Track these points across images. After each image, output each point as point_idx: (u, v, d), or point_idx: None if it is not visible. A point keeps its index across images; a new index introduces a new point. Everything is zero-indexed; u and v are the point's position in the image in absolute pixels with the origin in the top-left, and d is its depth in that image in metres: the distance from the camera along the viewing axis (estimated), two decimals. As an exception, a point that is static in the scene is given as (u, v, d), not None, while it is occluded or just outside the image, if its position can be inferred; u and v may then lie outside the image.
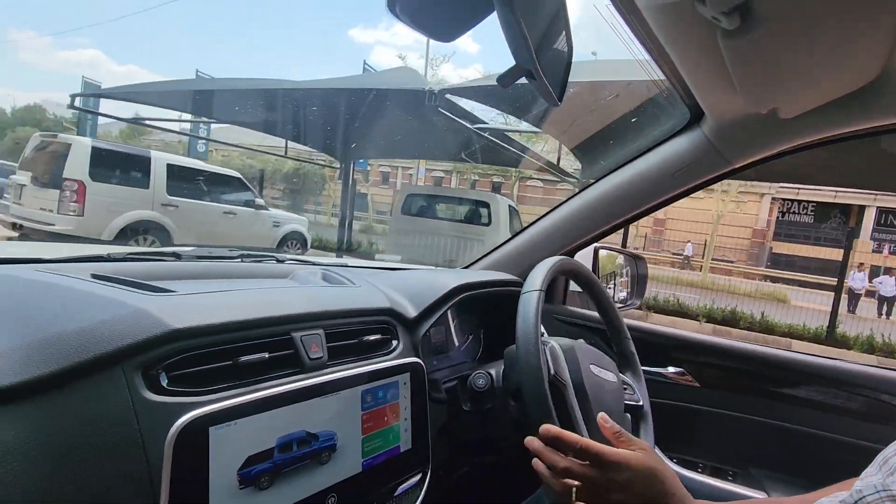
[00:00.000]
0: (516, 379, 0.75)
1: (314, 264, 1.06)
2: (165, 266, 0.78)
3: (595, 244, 1.26)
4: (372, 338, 0.76)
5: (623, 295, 1.37)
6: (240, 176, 7.13)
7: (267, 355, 0.60)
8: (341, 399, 0.66)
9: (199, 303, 0.60)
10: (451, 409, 0.89)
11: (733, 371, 1.13)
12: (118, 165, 5.78)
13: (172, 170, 6.03)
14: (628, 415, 0.86)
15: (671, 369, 1.18)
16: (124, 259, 0.79)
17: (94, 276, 0.64)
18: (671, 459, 1.11)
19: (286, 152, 9.60)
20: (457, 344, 1.09)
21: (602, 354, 0.86)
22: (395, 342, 0.80)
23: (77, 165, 5.36)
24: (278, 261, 1.02)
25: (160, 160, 5.98)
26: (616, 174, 1.12)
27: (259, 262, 0.98)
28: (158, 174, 5.88)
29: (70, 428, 0.45)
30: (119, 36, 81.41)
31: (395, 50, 73.77)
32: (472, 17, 0.51)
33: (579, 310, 1.31)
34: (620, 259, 1.44)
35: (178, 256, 0.87)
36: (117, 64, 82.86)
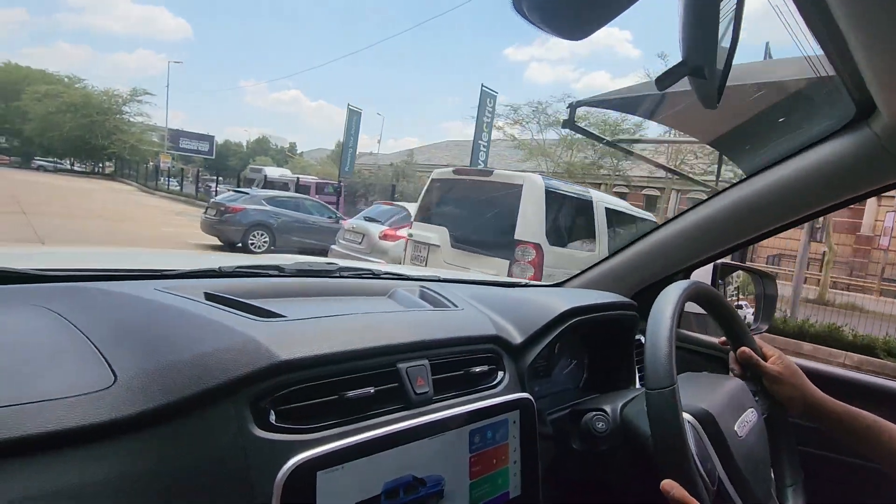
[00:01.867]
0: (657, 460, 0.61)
1: (408, 278, 1.01)
2: (270, 283, 0.76)
3: (717, 261, 1.09)
4: (478, 369, 0.68)
5: (748, 319, 1.18)
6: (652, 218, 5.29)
7: (372, 390, 0.56)
8: (449, 440, 0.59)
9: (306, 330, 0.56)
10: (559, 445, 0.78)
11: None
12: (567, 214, 3.91)
13: (610, 217, 4.10)
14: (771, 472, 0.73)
15: None
16: (233, 274, 0.78)
17: (208, 297, 0.63)
18: None
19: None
20: (559, 368, 0.98)
21: (738, 397, 0.71)
22: (500, 373, 0.72)
23: (533, 221, 3.52)
24: (374, 275, 0.98)
25: (599, 204, 4.06)
26: (754, 180, 0.95)
27: (356, 277, 0.94)
28: (600, 224, 3.99)
29: (177, 463, 0.42)
30: (312, 79, 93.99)
31: (549, 65, 75.36)
32: (609, 10, 0.42)
33: (692, 333, 1.15)
34: (738, 275, 1.24)
35: (280, 270, 0.84)
36: (311, 101, 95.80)
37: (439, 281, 1.04)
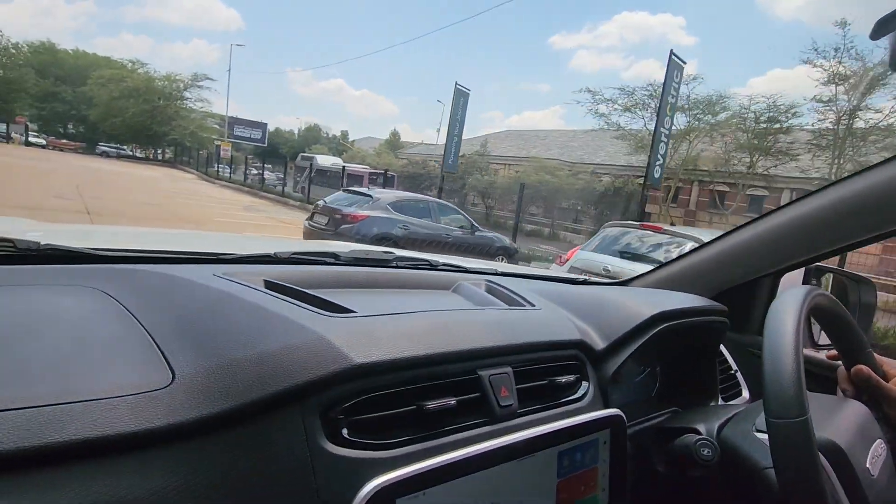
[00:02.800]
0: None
1: (468, 270, 0.94)
2: (328, 272, 0.70)
3: (812, 264, 0.96)
4: (563, 379, 0.61)
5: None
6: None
7: (454, 401, 0.49)
8: (536, 463, 0.51)
9: (382, 329, 0.50)
10: (640, 466, 0.69)
11: None
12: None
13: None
14: None
15: None
16: (289, 260, 0.73)
17: (268, 286, 0.57)
18: None
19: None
20: (631, 376, 0.87)
21: (865, 425, 0.60)
22: (584, 384, 0.64)
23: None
24: (432, 266, 0.91)
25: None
26: (869, 174, 0.81)
27: (414, 267, 0.87)
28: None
29: (236, 479, 0.36)
30: (355, 69, 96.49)
31: (597, 53, 73.43)
32: None
33: None
34: (828, 280, 1.10)
35: (336, 257, 0.79)
36: (354, 90, 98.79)
37: (499, 274, 0.97)
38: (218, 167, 26.12)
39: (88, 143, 35.30)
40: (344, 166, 18.61)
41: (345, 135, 52.66)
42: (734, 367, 0.98)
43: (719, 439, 0.62)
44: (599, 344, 0.69)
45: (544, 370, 0.60)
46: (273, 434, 0.39)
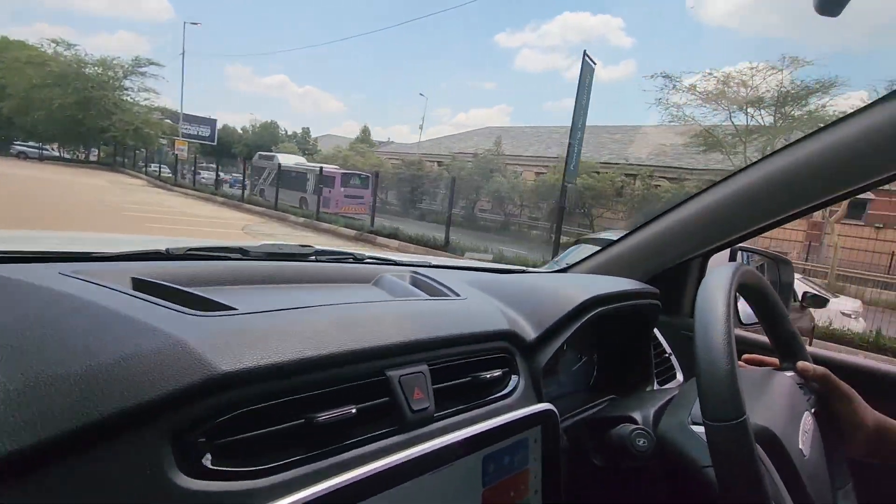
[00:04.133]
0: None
1: (397, 263, 0.87)
2: (230, 267, 0.61)
3: (736, 245, 0.98)
4: (489, 375, 0.55)
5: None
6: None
7: (354, 410, 0.41)
8: (457, 472, 0.44)
9: (262, 328, 0.41)
10: (575, 461, 0.65)
11: None
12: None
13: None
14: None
15: None
16: (183, 257, 0.63)
17: (136, 284, 0.48)
18: None
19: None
20: (567, 365, 0.85)
21: (794, 400, 0.59)
22: (514, 378, 0.59)
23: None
24: (357, 259, 0.83)
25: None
26: (787, 152, 0.81)
27: (335, 261, 0.80)
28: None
29: None
30: (299, 64, 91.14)
31: (540, 52, 73.42)
32: None
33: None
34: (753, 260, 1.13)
35: (245, 252, 0.69)
36: (298, 86, 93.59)
37: (431, 267, 0.92)
38: (160, 168, 22.24)
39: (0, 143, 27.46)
40: (321, 167, 16.62)
41: (306, 132, 48.08)
42: (668, 350, 0.98)
43: (656, 430, 0.59)
44: (531, 334, 0.64)
45: (468, 366, 0.54)
46: (105, 471, 0.30)
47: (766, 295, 0.67)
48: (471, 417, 0.50)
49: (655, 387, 0.86)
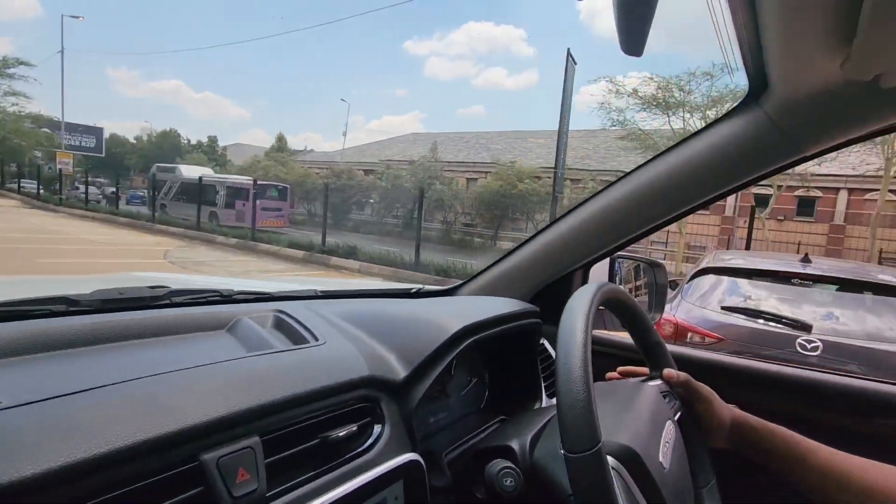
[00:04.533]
0: None
1: (271, 298, 0.79)
2: (42, 328, 0.49)
3: (614, 254, 1.03)
4: (342, 433, 0.49)
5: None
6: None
7: None
8: None
9: (17, 431, 0.33)
10: (462, 497, 0.62)
11: (801, 406, 0.88)
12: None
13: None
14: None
15: None
16: None
17: None
18: None
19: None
20: (456, 389, 0.83)
21: (657, 411, 0.61)
22: (377, 428, 0.54)
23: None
24: (223, 297, 0.74)
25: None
26: (650, 167, 0.86)
27: (193, 303, 0.70)
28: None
29: None
30: (196, 68, 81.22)
31: (448, 60, 73.04)
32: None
33: (601, 333, 1.08)
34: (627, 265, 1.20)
35: (70, 303, 0.57)
36: (195, 92, 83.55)
37: (312, 298, 0.86)
38: (39, 186, 18.43)
39: None
40: (227, 178, 15.39)
41: (213, 141, 42.09)
42: None
43: (532, 459, 0.58)
44: (400, 373, 0.60)
45: (315, 426, 0.49)
46: None
47: (628, 308, 0.69)
48: (317, 487, 0.44)
49: (545, 402, 0.86)
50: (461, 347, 0.67)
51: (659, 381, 0.69)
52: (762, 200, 12.95)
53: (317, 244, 9.69)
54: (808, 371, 0.92)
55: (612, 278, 1.04)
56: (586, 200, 0.94)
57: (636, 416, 0.58)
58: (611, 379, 0.75)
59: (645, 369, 0.74)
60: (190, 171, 17.24)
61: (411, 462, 0.51)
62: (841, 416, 0.86)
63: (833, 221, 16.60)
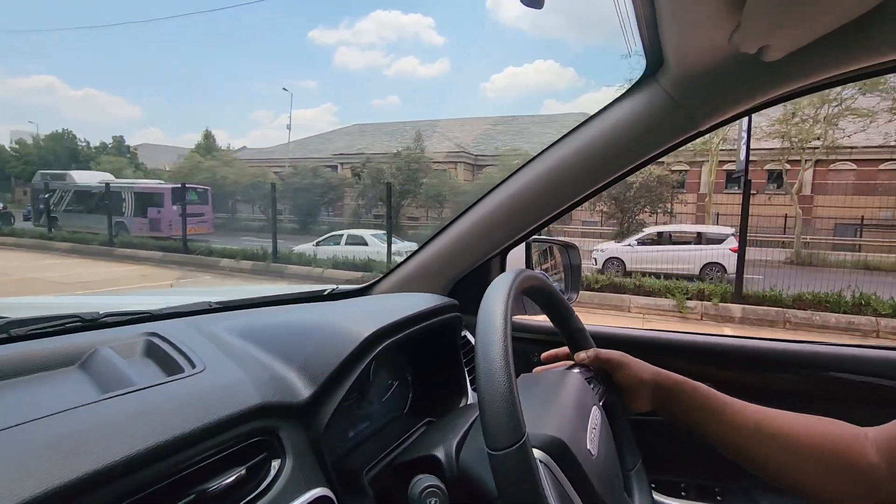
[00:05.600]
0: None
1: (150, 317, 0.67)
2: None
3: (529, 238, 1.01)
4: (228, 480, 0.41)
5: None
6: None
7: None
8: None
9: None
10: None
11: (707, 368, 0.92)
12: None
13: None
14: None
15: None
16: None
17: None
18: (650, 486, 0.91)
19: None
20: (377, 393, 0.76)
21: (582, 397, 0.59)
22: (274, 464, 0.46)
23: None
24: (84, 322, 0.61)
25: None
26: (557, 148, 0.84)
27: (41, 334, 0.56)
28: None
29: None
30: (72, 64, 69.63)
31: (358, 50, 69.42)
32: None
33: (524, 319, 1.06)
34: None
35: None
36: (73, 89, 70.92)
37: (204, 312, 0.75)
38: None
39: None
40: (134, 183, 13.15)
41: (119, 142, 35.68)
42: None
43: (459, 466, 0.53)
44: (303, 393, 0.52)
45: (189, 478, 0.40)
46: None
47: (548, 295, 0.66)
48: None
49: (471, 398, 0.82)
50: (374, 354, 0.60)
51: (581, 369, 0.68)
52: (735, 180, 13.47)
53: (269, 254, 8.94)
54: (714, 337, 0.96)
55: (528, 263, 1.02)
56: (496, 187, 0.91)
57: (561, 405, 0.56)
58: (542, 370, 0.72)
59: (566, 349, 0.73)
60: (84, 177, 15.17)
61: (320, 499, 0.45)
62: (744, 374, 0.90)
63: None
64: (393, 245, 8.28)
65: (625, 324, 4.45)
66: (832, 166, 14.63)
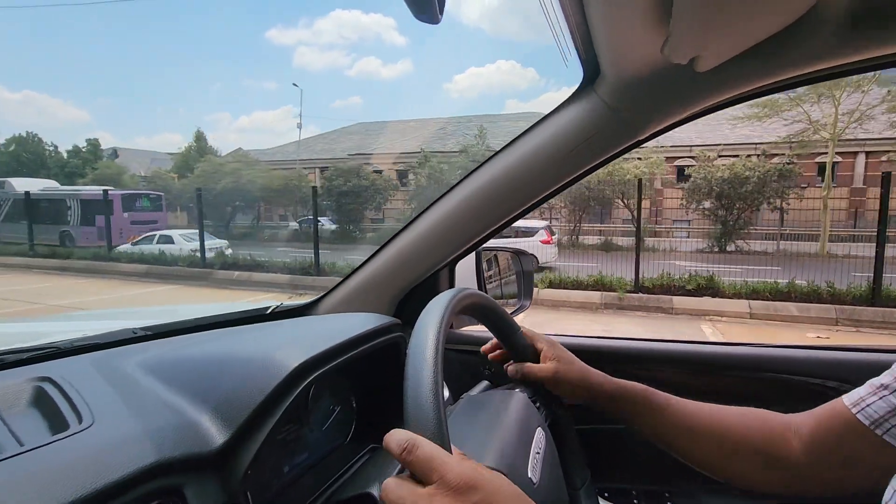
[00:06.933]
0: None
1: (56, 353, 0.59)
2: None
3: (479, 248, 0.98)
4: None
5: (511, 299, 1.13)
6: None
7: None
8: None
9: None
10: None
11: (660, 373, 0.93)
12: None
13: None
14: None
15: None
16: None
17: None
18: (602, 495, 0.90)
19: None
20: (317, 421, 0.71)
21: (525, 420, 0.57)
22: None
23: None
24: None
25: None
26: (501, 157, 0.82)
27: None
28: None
29: None
30: (6, 63, 63.44)
31: (319, 50, 66.96)
32: None
33: (465, 332, 1.02)
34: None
35: None
36: (10, 92, 63.16)
37: (124, 343, 0.68)
38: None
39: None
40: (79, 190, 12.30)
41: (94, 145, 30.89)
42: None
43: None
44: (216, 439, 0.46)
45: None
46: None
47: (487, 311, 0.63)
48: None
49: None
50: (304, 385, 0.55)
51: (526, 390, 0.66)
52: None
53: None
54: (668, 343, 0.96)
55: (479, 273, 1.00)
56: (441, 197, 0.88)
57: (503, 431, 0.53)
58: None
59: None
60: (24, 184, 14.04)
61: None
62: (690, 376, 0.91)
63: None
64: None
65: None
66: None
